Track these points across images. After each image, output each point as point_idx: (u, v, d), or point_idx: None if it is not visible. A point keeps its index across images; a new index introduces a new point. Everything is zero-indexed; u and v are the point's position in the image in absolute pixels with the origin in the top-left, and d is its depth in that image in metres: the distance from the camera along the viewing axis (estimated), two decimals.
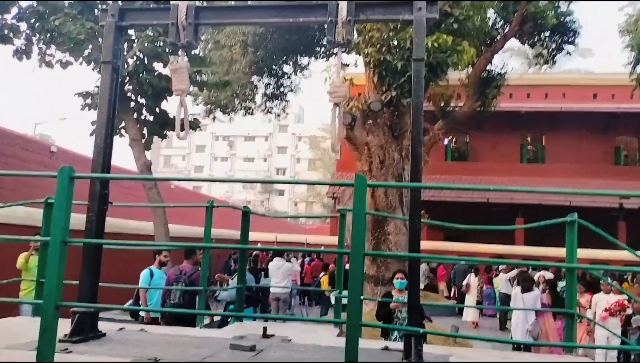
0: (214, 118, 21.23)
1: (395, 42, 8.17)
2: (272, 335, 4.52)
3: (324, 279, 15.17)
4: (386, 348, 4.25)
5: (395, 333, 5.40)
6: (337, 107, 4.01)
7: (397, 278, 5.65)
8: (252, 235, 24.56)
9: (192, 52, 12.07)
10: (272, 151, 75.39)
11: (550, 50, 19.95)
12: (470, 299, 14.88)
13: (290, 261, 14.41)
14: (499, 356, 4.30)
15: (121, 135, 12.90)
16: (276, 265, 11.34)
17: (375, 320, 5.76)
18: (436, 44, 7.97)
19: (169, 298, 7.47)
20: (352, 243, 2.95)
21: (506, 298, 13.03)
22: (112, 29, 4.21)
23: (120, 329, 4.52)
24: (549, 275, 14.55)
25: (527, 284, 8.66)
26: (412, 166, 3.80)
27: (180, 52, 4.27)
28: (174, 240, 12.31)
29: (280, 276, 11.12)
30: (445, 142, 25.21)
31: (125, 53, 10.97)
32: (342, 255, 5.79)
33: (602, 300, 8.46)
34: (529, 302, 8.40)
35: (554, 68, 24.26)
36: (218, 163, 75.11)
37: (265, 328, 4.53)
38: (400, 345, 4.44)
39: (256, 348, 3.92)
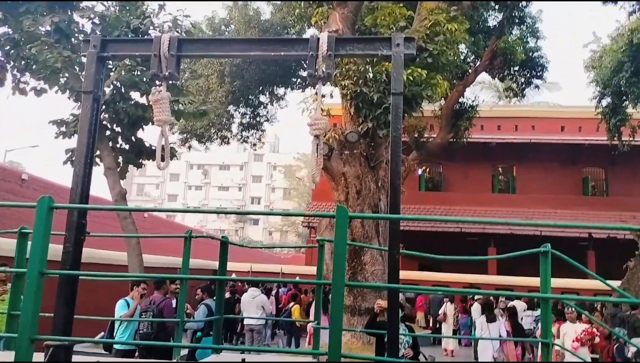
0: (189, 147, 21.18)
1: (371, 75, 8.35)
2: None
3: (295, 308, 15.07)
4: None
5: None
6: (318, 139, 4.08)
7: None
8: (228, 265, 24.18)
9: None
10: (246, 180, 75.19)
11: (519, 83, 20.63)
12: (447, 328, 14.94)
13: (264, 292, 14.30)
14: None
15: (96, 164, 12.76)
16: (251, 295, 11.23)
17: (351, 351, 5.77)
18: (411, 78, 8.18)
19: (138, 328, 7.36)
20: (334, 274, 2.98)
21: None
22: (94, 59, 4.23)
23: None
24: (520, 304, 14.79)
25: (491, 315, 9.50)
26: (391, 197, 3.87)
27: (162, 84, 4.31)
28: (147, 270, 12.11)
29: (254, 307, 11.01)
30: (419, 172, 25.55)
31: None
32: (320, 285, 5.79)
33: (570, 330, 8.59)
34: (494, 330, 9.19)
35: (524, 101, 25.05)
36: (192, 192, 74.51)
37: (243, 360, 4.49)
38: None
39: None
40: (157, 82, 4.35)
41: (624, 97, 19.44)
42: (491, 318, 9.45)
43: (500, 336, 9.29)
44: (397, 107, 4.01)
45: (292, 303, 13.59)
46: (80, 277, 4.30)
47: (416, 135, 16.61)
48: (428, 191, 27.35)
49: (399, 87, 3.99)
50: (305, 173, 65.32)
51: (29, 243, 4.82)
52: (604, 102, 20.10)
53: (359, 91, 8.35)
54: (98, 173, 12.47)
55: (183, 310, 5.26)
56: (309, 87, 22.37)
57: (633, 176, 25.89)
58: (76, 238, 4.01)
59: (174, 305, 7.84)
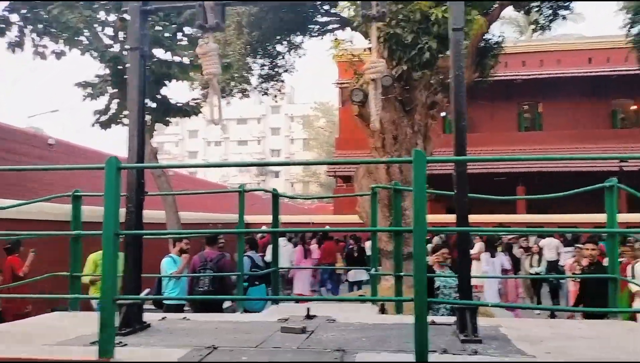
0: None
1: (404, 15, 8.04)
2: (315, 316, 4.50)
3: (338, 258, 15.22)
4: (433, 323, 4.23)
5: (442, 309, 5.44)
6: (375, 83, 3.94)
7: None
8: (252, 218, 24.29)
9: (192, 35, 11.86)
10: (265, 132, 75.06)
11: (546, 16, 19.84)
12: (477, 266, 15.03)
13: (293, 243, 14.41)
14: (546, 324, 4.31)
15: (123, 124, 12.74)
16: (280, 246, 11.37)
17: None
18: (447, 15, 7.84)
19: (197, 285, 7.43)
20: (415, 221, 2.91)
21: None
22: (137, 13, 4.09)
23: (163, 319, 4.49)
24: (554, 241, 14.82)
25: (493, 250, 10.57)
26: (457, 139, 3.75)
27: (208, 35, 4.16)
28: (185, 226, 12.26)
29: (283, 257, 11.14)
30: (442, 114, 25.13)
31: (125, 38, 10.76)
32: (375, 234, 5.76)
33: None
34: (498, 264, 10.35)
35: (547, 34, 24.20)
36: (212, 148, 74.80)
37: (308, 310, 4.50)
38: (445, 319, 4.45)
39: (306, 330, 3.90)
40: (204, 35, 4.20)
41: None
42: (493, 254, 10.47)
43: (504, 269, 10.55)
44: (459, 43, 3.83)
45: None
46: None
47: (441, 76, 16.18)
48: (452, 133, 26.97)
49: (460, 22, 3.80)
50: (323, 123, 64.85)
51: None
52: (635, 30, 19.32)
53: (392, 32, 8.07)
54: (122, 133, 12.47)
55: (242, 265, 5.28)
56: (328, 33, 21.85)
57: None
58: (137, 198, 3.99)
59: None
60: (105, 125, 12.45)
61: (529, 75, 25.01)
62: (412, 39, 8.05)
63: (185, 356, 3.10)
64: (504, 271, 10.44)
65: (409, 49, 8.15)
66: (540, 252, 12.65)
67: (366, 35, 20.58)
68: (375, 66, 3.86)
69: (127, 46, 4.08)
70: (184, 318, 4.57)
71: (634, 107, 26.41)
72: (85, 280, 6.90)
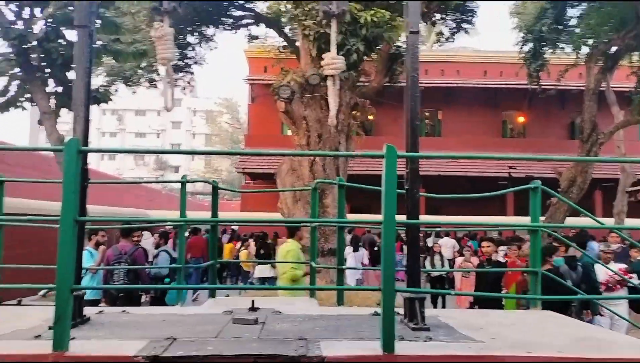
0: (116, 90, 19.98)
1: None
2: (259, 308, 4.50)
3: (243, 253, 15.14)
4: (376, 313, 4.39)
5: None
6: (334, 79, 4.02)
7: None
8: (155, 213, 23.48)
9: (108, 18, 11.24)
10: (165, 126, 72.53)
11: (450, 28, 21.11)
12: None
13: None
14: (477, 314, 4.63)
15: (23, 108, 11.81)
16: None
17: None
18: (375, 19, 8.14)
19: (112, 279, 7.16)
20: (385, 212, 3.02)
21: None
22: None
23: (100, 312, 4.27)
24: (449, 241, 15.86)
25: (356, 246, 12.84)
26: (410, 138, 3.94)
27: (164, 18, 4.02)
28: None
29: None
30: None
31: (34, 17, 9.98)
32: (315, 229, 5.85)
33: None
34: (359, 258, 12.64)
35: (446, 45, 25.68)
36: (107, 139, 70.98)
37: (253, 302, 4.50)
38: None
39: (258, 321, 3.90)
40: (158, 18, 4.05)
41: (544, 43, 20.45)
42: (355, 249, 12.65)
43: (362, 263, 12.68)
44: (414, 46, 4.01)
45: (242, 249, 13.68)
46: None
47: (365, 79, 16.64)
48: (357, 135, 27.77)
49: (416, 25, 3.99)
50: (227, 118, 63.93)
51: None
52: (526, 48, 21.07)
53: (322, 32, 8.20)
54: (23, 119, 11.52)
55: (183, 254, 5.12)
56: (241, 27, 21.64)
57: (547, 119, 27.66)
58: (82, 184, 3.76)
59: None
60: (2, 108, 11.46)
61: (431, 83, 26.38)
62: (340, 40, 8.23)
63: (146, 348, 2.99)
64: (363, 264, 12.65)
65: (337, 50, 8.31)
66: (440, 252, 13.39)
67: (280, 32, 20.70)
68: (335, 62, 3.94)
69: (76, 23, 3.83)
70: (123, 311, 4.38)
71: (521, 118, 28.76)
72: None
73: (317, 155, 9.53)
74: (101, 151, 3.69)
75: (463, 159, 26.63)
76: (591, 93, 16.11)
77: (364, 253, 13.19)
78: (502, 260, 8.97)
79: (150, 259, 9.46)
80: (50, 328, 3.10)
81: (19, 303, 6.33)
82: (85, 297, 7.12)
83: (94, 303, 7.24)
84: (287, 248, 6.40)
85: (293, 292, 6.12)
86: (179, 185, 5.33)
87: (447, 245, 15.64)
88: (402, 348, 3.04)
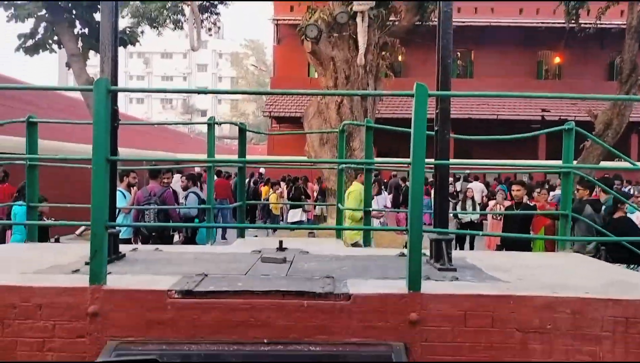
0: (142, 32, 19.84)
1: None
2: (287, 249, 4.58)
3: (273, 196, 15.33)
4: (402, 254, 4.43)
5: None
6: (363, 16, 3.90)
7: None
8: (185, 156, 23.86)
9: None
10: (191, 68, 72.28)
11: None
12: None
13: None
14: (505, 255, 4.63)
15: (51, 50, 11.86)
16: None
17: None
18: None
19: (143, 220, 7.35)
20: (414, 154, 2.98)
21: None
22: None
23: (134, 250, 4.41)
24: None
25: (379, 189, 11.81)
26: (441, 76, 3.83)
27: None
28: (124, 163, 11.80)
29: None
30: None
31: None
32: (342, 172, 5.84)
33: None
34: (381, 201, 11.76)
35: None
36: (134, 82, 71.25)
37: (280, 242, 4.57)
38: None
39: (286, 260, 3.98)
40: None
41: None
42: (378, 192, 11.78)
43: (385, 206, 11.95)
44: None
45: (270, 191, 13.84)
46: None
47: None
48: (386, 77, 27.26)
49: None
50: (253, 61, 63.27)
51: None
52: None
53: None
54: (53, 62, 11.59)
55: (212, 195, 5.20)
56: None
57: (585, 60, 26.58)
58: (112, 125, 3.80)
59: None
60: (31, 50, 11.52)
61: (464, 22, 25.45)
62: None
63: (179, 283, 3.09)
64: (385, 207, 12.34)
65: None
66: (473, 197, 13.16)
67: None
68: None
69: None
70: (156, 249, 4.51)
71: (557, 59, 27.72)
72: None
73: (345, 95, 9.39)
74: (130, 91, 3.70)
75: (495, 102, 25.94)
76: (633, 31, 15.33)
77: (386, 197, 13.00)
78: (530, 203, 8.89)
79: (179, 201, 9.64)
80: (87, 263, 3.22)
81: (56, 241, 6.57)
82: (120, 237, 7.42)
83: (127, 242, 7.49)
84: (350, 190, 6.56)
85: (356, 233, 6.25)
86: (206, 130, 5.35)
87: (476, 190, 15.47)
88: (427, 287, 3.07)
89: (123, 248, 4.20)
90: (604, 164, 16.66)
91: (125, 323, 2.88)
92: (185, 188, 9.46)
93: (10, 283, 2.93)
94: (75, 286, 2.93)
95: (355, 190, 6.51)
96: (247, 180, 17.03)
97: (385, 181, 15.55)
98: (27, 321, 2.85)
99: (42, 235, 6.42)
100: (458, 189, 17.42)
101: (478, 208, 13.08)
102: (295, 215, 14.27)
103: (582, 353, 2.87)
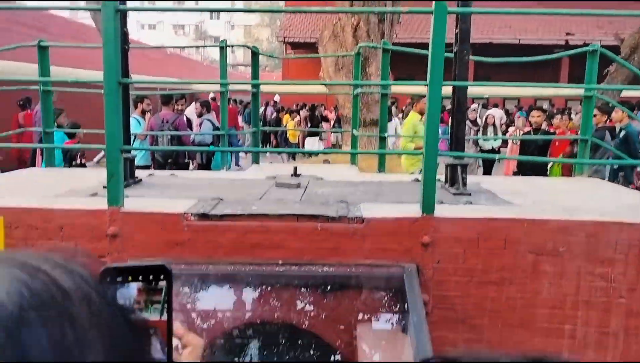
0: None
1: None
2: (301, 175, 4.59)
3: (290, 124, 15.27)
4: (417, 180, 4.42)
5: None
6: None
7: None
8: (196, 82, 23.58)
9: None
10: (203, 17, 69.92)
11: None
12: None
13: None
14: (521, 181, 4.60)
15: None
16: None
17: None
18: None
19: (157, 145, 7.41)
20: (432, 74, 2.90)
21: None
22: None
23: (150, 175, 4.46)
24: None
25: (389, 115, 11.52)
26: None
27: None
28: (136, 89, 11.76)
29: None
30: None
31: None
32: (357, 98, 5.75)
33: None
34: (392, 127, 11.26)
35: None
36: (145, 31, 69.42)
37: (295, 168, 4.58)
38: None
39: (300, 185, 4.00)
40: None
41: None
42: (389, 119, 11.95)
43: (395, 131, 11.47)
44: None
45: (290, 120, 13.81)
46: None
47: None
48: None
49: None
50: None
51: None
52: None
53: None
54: None
55: (226, 120, 5.18)
56: None
57: None
58: (122, 48, 3.73)
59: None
60: None
61: None
62: None
63: (195, 206, 3.13)
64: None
65: None
66: (494, 123, 12.88)
67: None
68: None
69: None
70: (172, 175, 4.56)
71: None
72: None
73: (360, 12, 9.07)
74: (139, 10, 3.50)
75: (517, 24, 24.96)
76: None
77: (397, 124, 12.74)
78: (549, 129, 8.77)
79: (193, 129, 9.67)
80: (104, 187, 3.27)
81: (82, 166, 6.65)
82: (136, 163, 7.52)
83: (145, 169, 7.59)
84: (407, 119, 6.53)
85: (412, 164, 6.24)
86: (219, 55, 5.26)
87: (495, 116, 15.21)
88: (441, 210, 3.08)
89: (139, 173, 4.24)
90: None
91: (144, 244, 2.96)
92: (199, 115, 9.46)
93: (32, 205, 3.00)
94: (94, 208, 2.99)
95: (409, 120, 6.43)
96: (262, 108, 16.98)
97: (402, 108, 15.33)
98: (50, 241, 2.94)
99: (71, 161, 6.56)
100: (477, 115, 17.14)
101: (500, 133, 12.86)
102: (312, 144, 14.27)
103: (594, 274, 2.89)
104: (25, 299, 0.33)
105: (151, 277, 0.65)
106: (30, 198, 3.22)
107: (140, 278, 0.64)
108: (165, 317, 0.65)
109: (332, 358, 3.02)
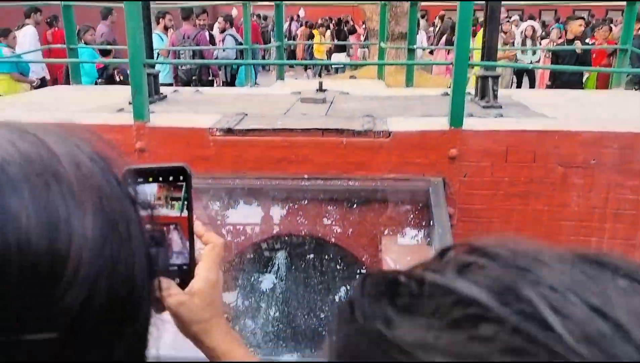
0: None
1: None
2: (327, 90, 4.51)
3: (316, 39, 14.87)
4: (446, 94, 4.31)
5: None
6: None
7: None
8: None
9: None
10: None
11: None
12: None
13: None
14: (555, 93, 4.45)
15: None
16: None
17: None
18: None
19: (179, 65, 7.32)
20: None
21: None
22: None
23: (175, 91, 4.44)
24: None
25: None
26: None
27: None
28: None
29: None
30: None
31: None
32: (384, 8, 5.52)
33: None
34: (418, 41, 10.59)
35: None
36: None
37: (320, 83, 4.50)
38: None
39: (326, 100, 3.94)
40: None
41: None
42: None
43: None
44: None
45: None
46: None
47: None
48: None
49: None
50: None
51: None
52: None
53: None
54: None
55: (249, 36, 5.07)
56: None
57: None
58: None
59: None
60: None
61: None
62: None
63: (220, 122, 3.12)
64: None
65: None
66: (533, 35, 12.17)
67: None
68: None
69: None
70: (197, 91, 4.53)
71: None
72: None
73: None
74: None
75: None
76: None
77: (423, 37, 12.05)
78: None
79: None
80: (130, 103, 3.27)
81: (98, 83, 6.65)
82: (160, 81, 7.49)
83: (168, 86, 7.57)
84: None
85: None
86: None
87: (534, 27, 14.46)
88: (470, 123, 3.01)
89: (164, 90, 4.23)
90: None
91: (171, 159, 2.98)
92: (222, 31, 9.25)
93: (60, 121, 3.02)
94: (120, 123, 3.01)
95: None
96: (287, 23, 16.51)
97: (432, 22, 14.75)
98: None
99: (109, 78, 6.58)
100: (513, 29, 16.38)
101: (538, 44, 12.26)
102: (339, 59, 13.93)
103: (624, 187, 2.84)
104: (9, 154, 0.31)
105: (171, 178, 0.65)
106: (57, 113, 3.25)
107: (161, 179, 0.64)
108: (185, 214, 0.66)
109: (357, 270, 3.10)
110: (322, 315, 2.94)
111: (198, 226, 0.70)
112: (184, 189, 0.66)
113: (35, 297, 0.29)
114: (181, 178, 0.65)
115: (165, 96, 4.03)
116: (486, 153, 2.91)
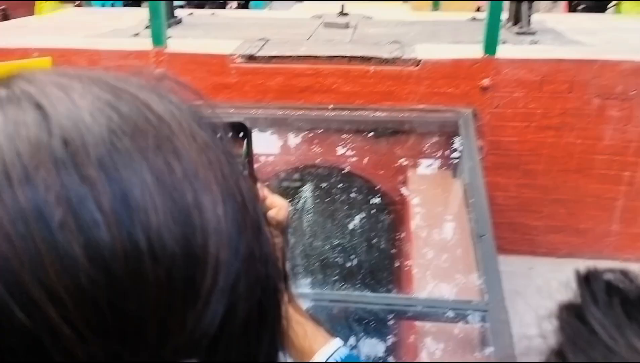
0: None
1: None
2: (349, 14, 4.30)
3: None
4: (474, 19, 4.10)
5: None
6: None
7: None
8: None
9: None
10: None
11: None
12: None
13: None
14: (589, 18, 4.21)
15: None
16: None
17: None
18: None
19: None
20: None
21: None
22: None
23: (190, 14, 4.26)
24: None
25: None
26: None
27: None
28: None
29: None
30: None
31: None
32: None
33: None
34: None
35: None
36: None
37: (342, 7, 4.29)
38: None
39: (349, 25, 3.76)
40: None
41: None
42: None
43: None
44: None
45: None
46: None
47: None
48: None
49: None
50: None
51: None
52: None
53: None
54: None
55: None
56: None
57: None
58: None
59: None
60: None
61: None
62: None
63: (241, 47, 3.00)
64: None
65: None
66: None
67: None
68: None
69: None
70: (213, 14, 4.35)
71: None
72: None
73: None
74: None
75: None
76: None
77: None
78: None
79: None
80: (147, 27, 3.14)
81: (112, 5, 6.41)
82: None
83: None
84: None
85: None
86: None
87: None
88: (503, 51, 2.86)
89: (179, 13, 4.05)
90: None
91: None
92: None
93: (78, 46, 2.92)
94: (138, 49, 2.90)
95: None
96: None
97: None
98: None
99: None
100: None
101: None
102: None
103: None
104: (114, 122, 0.23)
105: (230, 134, 0.60)
106: (73, 38, 3.13)
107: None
108: (246, 172, 0.60)
109: (379, 200, 3.05)
110: (348, 247, 2.92)
111: (262, 188, 0.64)
112: (244, 146, 0.62)
113: (173, 315, 0.22)
114: (241, 134, 0.61)
115: (180, 20, 3.87)
116: (520, 83, 2.78)
